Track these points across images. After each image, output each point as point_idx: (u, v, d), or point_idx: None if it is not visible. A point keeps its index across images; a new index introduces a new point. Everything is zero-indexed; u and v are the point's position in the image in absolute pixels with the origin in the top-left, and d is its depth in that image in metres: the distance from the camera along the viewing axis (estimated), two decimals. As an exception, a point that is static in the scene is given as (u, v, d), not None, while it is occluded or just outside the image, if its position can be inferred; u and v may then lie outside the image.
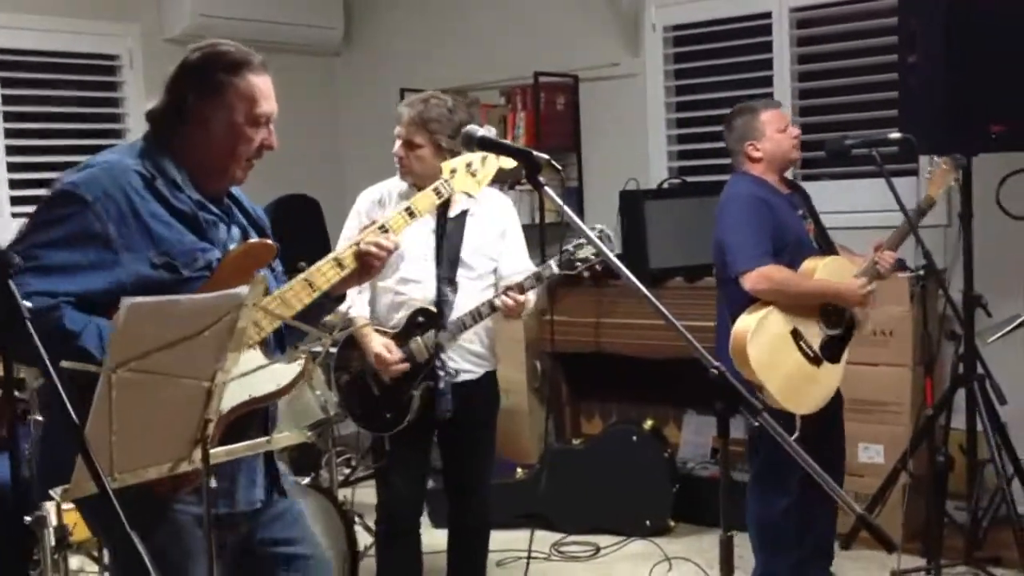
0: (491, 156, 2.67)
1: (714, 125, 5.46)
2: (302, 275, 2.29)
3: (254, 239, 2.33)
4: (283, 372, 2.17)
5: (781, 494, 3.56)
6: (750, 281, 3.43)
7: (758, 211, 3.52)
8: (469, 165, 2.66)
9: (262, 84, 2.26)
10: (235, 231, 2.32)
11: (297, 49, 6.07)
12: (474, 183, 2.67)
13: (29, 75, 5.35)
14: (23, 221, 2.22)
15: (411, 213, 2.49)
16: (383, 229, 2.42)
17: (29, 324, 1.67)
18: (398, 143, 3.36)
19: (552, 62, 5.61)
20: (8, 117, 5.28)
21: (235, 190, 2.39)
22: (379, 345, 3.31)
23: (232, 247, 2.26)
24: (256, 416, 2.26)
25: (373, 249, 2.36)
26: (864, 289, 3.53)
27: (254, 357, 2.15)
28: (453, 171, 2.64)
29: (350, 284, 2.42)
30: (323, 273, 2.31)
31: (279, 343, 2.34)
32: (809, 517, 3.64)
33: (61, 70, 5.48)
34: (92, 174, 2.15)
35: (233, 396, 2.08)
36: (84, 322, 2.04)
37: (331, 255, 2.35)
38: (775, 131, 3.61)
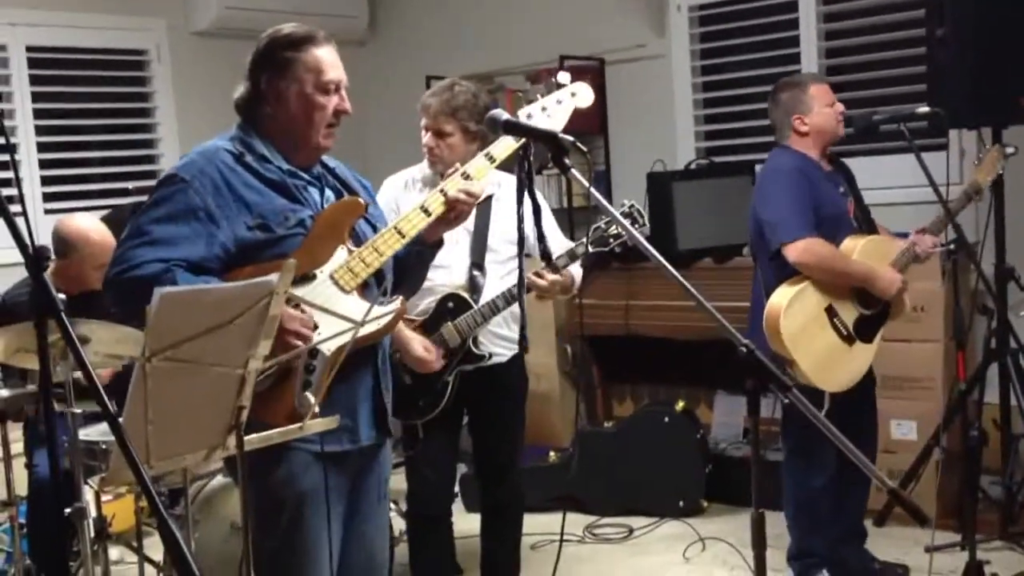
0: (566, 99, 2.64)
1: (741, 104, 5.46)
2: (392, 223, 2.46)
3: (346, 198, 2.50)
4: (377, 315, 2.28)
5: (818, 471, 3.55)
6: (795, 252, 3.40)
7: (798, 183, 3.49)
8: (544, 109, 2.62)
9: (326, 55, 2.43)
10: (329, 193, 2.51)
11: (322, 39, 6.08)
12: (550, 124, 2.59)
13: (58, 72, 5.39)
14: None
15: (491, 158, 2.55)
16: (466, 176, 2.53)
17: (63, 316, 1.71)
18: (427, 135, 3.37)
19: (577, 45, 5.60)
20: (39, 114, 5.33)
21: (335, 162, 2.60)
22: (420, 348, 3.28)
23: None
24: (367, 358, 2.44)
25: (462, 196, 2.50)
26: (902, 284, 3.50)
27: (352, 300, 2.35)
28: (529, 116, 2.61)
29: (441, 230, 2.59)
30: (410, 220, 2.46)
31: (379, 288, 2.46)
32: (842, 495, 3.64)
33: (90, 66, 5.53)
34: (190, 158, 2.41)
35: (337, 338, 2.24)
36: (195, 282, 2.24)
37: (418, 203, 2.50)
38: (824, 105, 3.58)
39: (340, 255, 2.39)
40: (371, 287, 2.44)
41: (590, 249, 3.34)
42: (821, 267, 3.43)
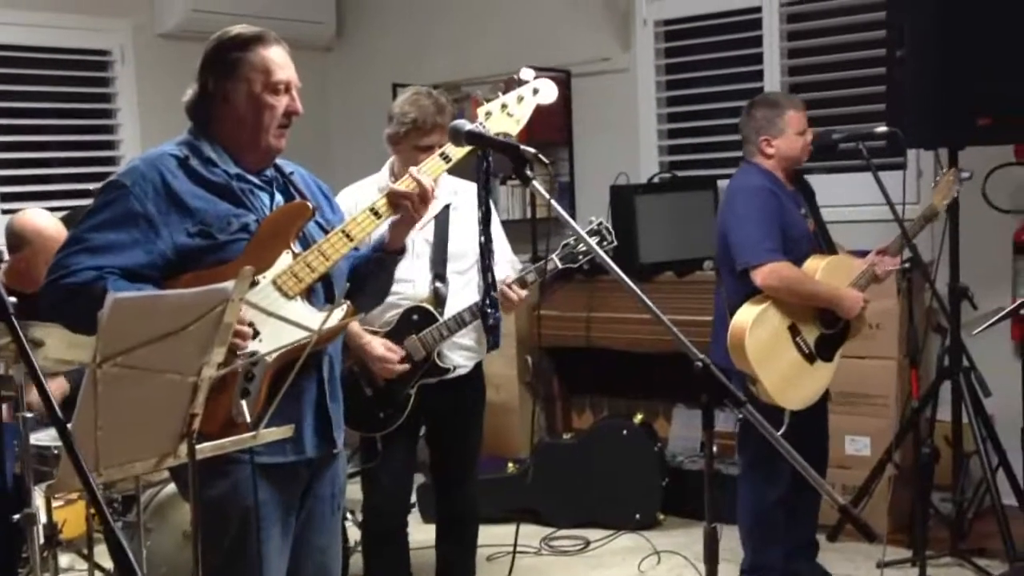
0: (528, 96, 2.63)
1: (705, 119, 5.51)
2: (340, 227, 2.40)
3: (293, 201, 2.45)
4: (322, 320, 2.20)
5: (773, 485, 3.58)
6: (761, 276, 3.43)
7: (767, 204, 3.51)
8: (505, 106, 2.61)
9: (275, 55, 2.40)
10: (280, 197, 2.47)
11: (288, 44, 6.05)
12: (512, 123, 2.60)
13: (20, 71, 5.34)
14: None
15: (446, 158, 2.50)
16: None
17: (14, 319, 1.69)
18: (422, 154, 3.09)
19: (544, 56, 5.61)
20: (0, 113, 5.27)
21: (293, 166, 2.55)
22: (380, 347, 3.28)
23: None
24: (311, 367, 2.38)
25: (403, 189, 2.44)
26: (861, 306, 3.55)
27: (296, 306, 2.31)
28: (488, 114, 2.59)
29: (401, 234, 2.54)
30: (359, 223, 2.40)
31: (328, 293, 2.42)
32: (795, 506, 3.67)
33: (53, 66, 5.48)
34: (132, 164, 2.39)
35: (276, 342, 2.21)
36: (129, 289, 2.19)
37: (367, 205, 2.45)
38: (795, 132, 3.60)
39: (285, 260, 2.34)
40: (317, 292, 2.39)
41: (559, 265, 3.34)
42: (787, 290, 3.47)
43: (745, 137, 3.68)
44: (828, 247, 3.71)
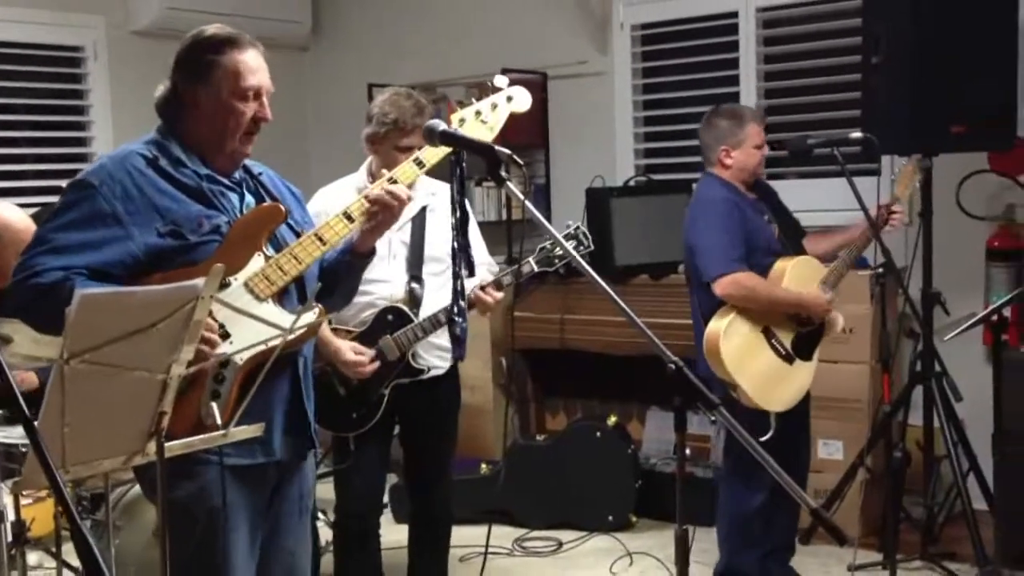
0: (502, 103, 2.64)
1: (681, 123, 5.51)
2: (312, 230, 2.39)
3: (265, 204, 2.43)
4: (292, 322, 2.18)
5: (756, 489, 3.59)
6: (721, 287, 3.46)
7: (730, 215, 3.54)
8: (479, 113, 2.61)
9: (247, 59, 2.36)
10: (250, 199, 2.44)
11: (264, 43, 5.99)
12: (486, 130, 2.61)
13: (-8, 66, 5.30)
14: None
15: (420, 164, 2.50)
16: (391, 181, 2.47)
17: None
18: (402, 155, 3.13)
19: (521, 59, 5.62)
20: (-30, 108, 5.23)
21: (260, 167, 2.53)
22: (350, 352, 3.26)
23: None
24: (283, 368, 2.35)
25: (384, 196, 2.43)
26: (829, 305, 3.58)
27: (268, 309, 2.30)
28: (462, 120, 2.59)
29: (372, 238, 2.51)
30: (332, 227, 2.39)
31: (301, 295, 2.40)
32: (773, 512, 3.68)
33: (24, 61, 5.43)
34: (100, 162, 2.36)
35: (246, 344, 2.19)
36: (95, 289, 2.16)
37: (341, 209, 2.43)
38: (753, 146, 3.63)
39: (257, 262, 2.32)
40: (290, 295, 2.38)
41: (535, 269, 3.34)
42: (749, 300, 3.49)
43: (705, 145, 3.71)
44: (796, 248, 3.73)
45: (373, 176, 3.35)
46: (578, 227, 3.41)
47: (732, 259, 3.47)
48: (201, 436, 2.07)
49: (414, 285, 3.35)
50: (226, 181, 2.41)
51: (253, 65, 2.36)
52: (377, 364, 3.28)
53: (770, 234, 3.67)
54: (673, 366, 1.91)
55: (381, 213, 2.45)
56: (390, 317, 3.33)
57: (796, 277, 3.57)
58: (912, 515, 4.22)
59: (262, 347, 2.18)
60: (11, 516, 3.15)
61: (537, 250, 3.35)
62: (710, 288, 3.49)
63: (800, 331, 3.60)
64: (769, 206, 3.77)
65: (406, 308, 3.33)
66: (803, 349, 3.60)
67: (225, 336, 2.24)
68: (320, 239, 2.37)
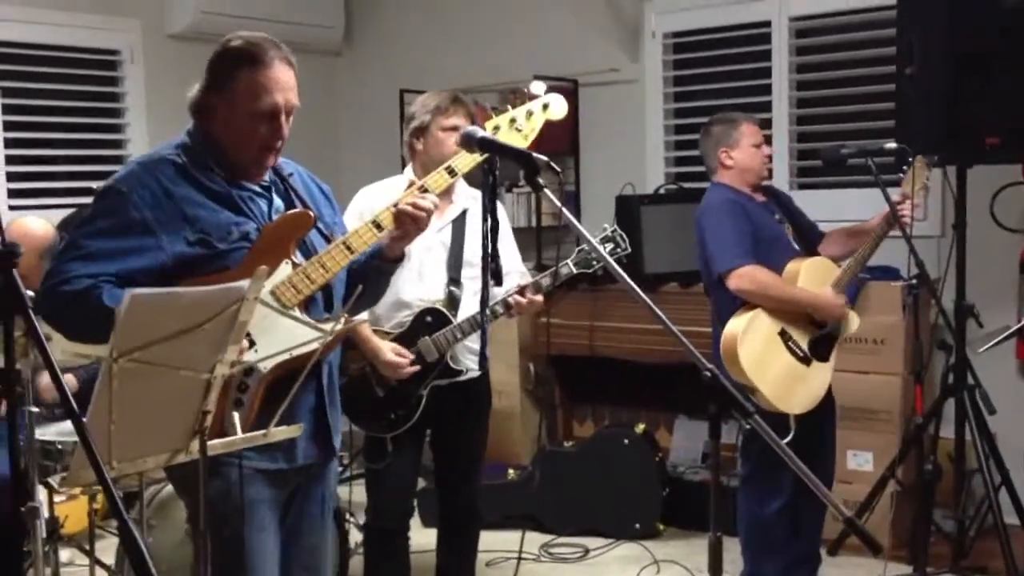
0: (538, 111, 2.64)
1: (711, 132, 5.50)
2: (341, 239, 2.38)
3: (293, 211, 2.40)
4: (322, 337, 2.19)
5: (773, 496, 3.58)
6: (734, 280, 3.46)
7: (734, 212, 3.56)
8: (513, 121, 2.61)
9: (269, 76, 2.31)
10: (278, 203, 2.43)
11: (297, 48, 5.96)
12: (520, 137, 2.60)
13: (29, 68, 5.36)
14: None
15: (452, 172, 2.51)
16: (423, 190, 2.47)
17: (31, 312, 1.70)
18: (452, 135, 3.24)
19: (552, 66, 5.63)
20: (7, 110, 5.29)
21: (293, 167, 2.51)
22: (390, 353, 3.28)
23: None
24: (309, 376, 2.29)
25: (409, 209, 2.41)
26: (842, 308, 3.56)
27: (295, 317, 2.28)
28: (496, 127, 2.58)
29: (400, 244, 2.50)
30: (360, 236, 2.39)
31: (327, 303, 2.41)
32: (798, 521, 3.67)
33: (62, 64, 5.49)
34: (130, 169, 2.34)
35: (270, 352, 2.18)
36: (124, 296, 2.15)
37: (370, 218, 2.43)
38: (750, 144, 3.66)
39: (284, 270, 2.31)
40: (316, 302, 2.37)
41: (574, 271, 3.36)
42: (762, 294, 3.48)
43: (705, 154, 3.75)
44: (810, 250, 3.72)
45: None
46: (615, 230, 3.43)
47: (740, 252, 3.48)
48: (243, 435, 2.10)
49: (453, 288, 3.38)
50: (255, 187, 2.40)
51: (275, 83, 2.31)
52: (417, 367, 3.31)
53: (780, 232, 3.67)
54: (709, 373, 1.92)
55: (408, 223, 2.45)
56: (429, 319, 3.35)
57: (810, 278, 3.57)
58: (943, 528, 4.19)
59: (286, 355, 2.19)
60: (45, 513, 3.19)
61: (575, 252, 3.37)
62: (726, 289, 3.49)
63: (817, 332, 3.59)
64: (781, 208, 3.77)
65: (445, 310, 3.35)
66: (820, 350, 3.59)
67: (251, 344, 2.23)
68: (348, 247, 2.36)
